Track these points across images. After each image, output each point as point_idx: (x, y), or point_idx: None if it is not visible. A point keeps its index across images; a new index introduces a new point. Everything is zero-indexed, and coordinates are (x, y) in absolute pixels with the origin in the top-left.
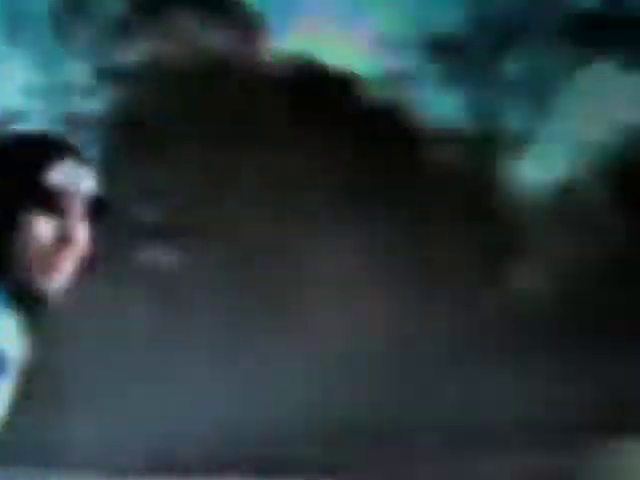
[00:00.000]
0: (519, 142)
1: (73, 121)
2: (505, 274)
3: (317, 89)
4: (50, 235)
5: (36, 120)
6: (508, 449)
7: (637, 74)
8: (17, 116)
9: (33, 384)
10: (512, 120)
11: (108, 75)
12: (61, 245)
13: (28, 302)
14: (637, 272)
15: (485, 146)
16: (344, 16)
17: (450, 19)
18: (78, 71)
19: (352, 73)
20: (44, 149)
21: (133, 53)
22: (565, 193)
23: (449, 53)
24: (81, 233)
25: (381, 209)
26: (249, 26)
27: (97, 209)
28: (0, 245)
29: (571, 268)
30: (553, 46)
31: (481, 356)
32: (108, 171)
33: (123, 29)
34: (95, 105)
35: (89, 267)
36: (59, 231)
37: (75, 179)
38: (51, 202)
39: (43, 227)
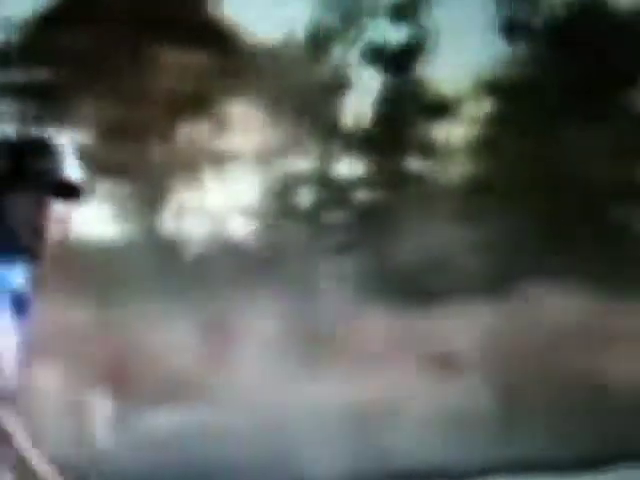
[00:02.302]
0: None
1: None
2: None
3: None
4: (33, 211)
5: None
6: None
7: None
8: None
9: None
10: None
11: None
12: (41, 219)
13: (28, 258)
14: None
15: None
16: None
17: None
18: None
19: None
20: (32, 147)
21: None
22: None
23: None
24: (57, 211)
25: None
26: None
27: (70, 192)
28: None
29: None
30: None
31: None
32: None
33: None
34: None
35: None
36: (40, 208)
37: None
38: (32, 182)
39: (27, 201)
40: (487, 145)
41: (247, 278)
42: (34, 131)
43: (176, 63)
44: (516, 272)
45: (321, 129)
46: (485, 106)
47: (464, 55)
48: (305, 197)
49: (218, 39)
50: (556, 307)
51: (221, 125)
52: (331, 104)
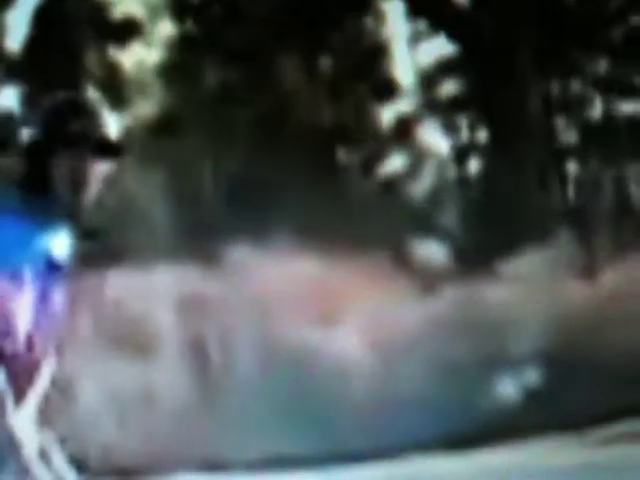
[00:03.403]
0: None
1: None
2: None
3: None
4: (72, 168)
5: None
6: None
7: None
8: None
9: None
10: None
11: None
12: (83, 179)
13: (69, 217)
14: None
15: None
16: None
17: None
18: None
19: None
20: (68, 109)
21: None
22: None
23: None
24: (94, 168)
25: None
26: None
27: (109, 149)
28: (44, 176)
29: None
30: None
31: None
32: None
33: None
34: None
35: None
36: (79, 165)
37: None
38: (71, 144)
39: (67, 162)
40: (181, 74)
41: None
42: (69, 94)
43: None
44: (223, 229)
45: None
46: (178, 28)
47: None
48: None
49: None
50: (275, 270)
51: None
52: None
